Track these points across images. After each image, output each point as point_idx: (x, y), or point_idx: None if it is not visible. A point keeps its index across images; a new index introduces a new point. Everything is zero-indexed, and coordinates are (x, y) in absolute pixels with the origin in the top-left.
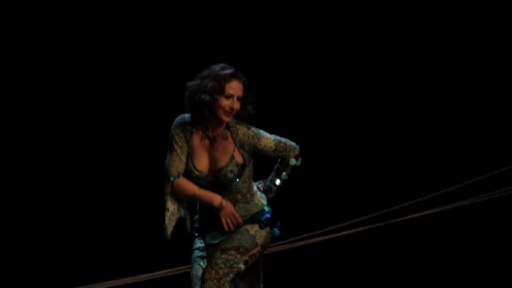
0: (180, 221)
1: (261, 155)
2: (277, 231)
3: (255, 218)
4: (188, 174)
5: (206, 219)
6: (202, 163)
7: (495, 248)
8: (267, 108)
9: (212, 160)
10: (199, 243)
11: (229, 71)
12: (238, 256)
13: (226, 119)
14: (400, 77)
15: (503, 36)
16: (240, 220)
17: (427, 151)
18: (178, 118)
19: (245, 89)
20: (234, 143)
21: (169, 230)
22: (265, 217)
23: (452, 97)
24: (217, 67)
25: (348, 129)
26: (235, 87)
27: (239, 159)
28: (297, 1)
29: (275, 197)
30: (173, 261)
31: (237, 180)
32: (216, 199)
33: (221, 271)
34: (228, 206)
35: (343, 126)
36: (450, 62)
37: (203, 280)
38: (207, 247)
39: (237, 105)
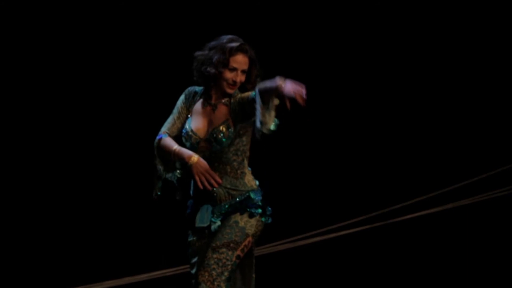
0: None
1: (246, 108)
2: (266, 219)
3: (243, 206)
4: (183, 138)
5: (197, 202)
6: (199, 127)
7: (495, 248)
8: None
9: (209, 124)
10: (191, 236)
11: (235, 44)
12: (230, 252)
13: (230, 91)
14: (401, 75)
15: (503, 35)
16: (218, 178)
17: (427, 150)
18: (190, 87)
19: (251, 62)
20: (230, 107)
21: (155, 190)
22: (254, 205)
23: (453, 95)
24: (224, 39)
25: (348, 127)
26: (239, 61)
27: (231, 124)
28: (296, 1)
29: (274, 198)
30: (171, 261)
31: (227, 144)
32: (188, 154)
33: (214, 272)
34: (200, 162)
35: (343, 124)
36: (450, 61)
37: (196, 283)
38: (197, 232)
39: (240, 78)
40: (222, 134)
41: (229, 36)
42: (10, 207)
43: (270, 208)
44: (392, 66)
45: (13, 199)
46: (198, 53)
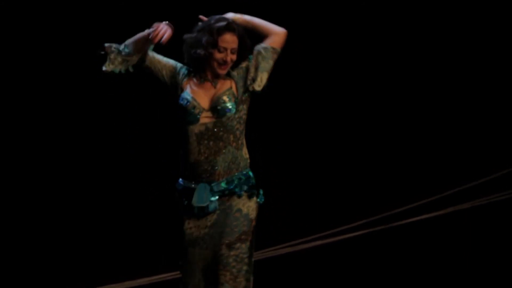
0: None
1: (257, 64)
2: (261, 199)
3: (241, 187)
4: (183, 110)
5: (192, 180)
6: (202, 100)
7: (495, 252)
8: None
9: (212, 97)
10: (187, 223)
11: (222, 23)
12: (243, 245)
13: (221, 71)
14: (404, 78)
15: (503, 35)
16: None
17: (427, 154)
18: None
19: (241, 40)
20: (232, 78)
21: (108, 65)
22: (250, 184)
23: (454, 99)
24: (212, 20)
25: (349, 131)
26: (228, 40)
27: (235, 91)
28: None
29: (274, 201)
30: (171, 265)
31: (233, 110)
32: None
33: (234, 270)
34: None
35: (344, 128)
36: (452, 66)
37: (218, 283)
38: (194, 219)
39: (231, 57)
40: (227, 102)
41: (217, 16)
42: (10, 209)
43: (260, 189)
44: (393, 69)
45: (13, 202)
46: (186, 35)
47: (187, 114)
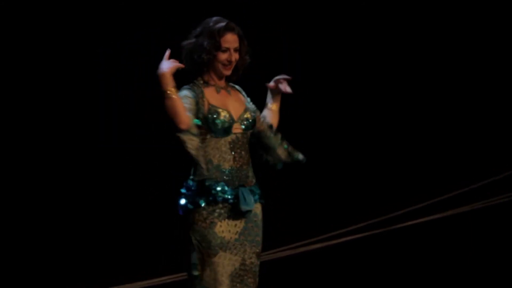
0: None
1: (261, 133)
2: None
3: (257, 193)
4: (215, 122)
5: (225, 183)
6: (231, 111)
7: (495, 254)
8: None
9: (234, 108)
10: (219, 227)
11: (221, 24)
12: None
13: (226, 72)
14: (404, 81)
15: (503, 37)
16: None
17: (428, 157)
18: (185, 86)
19: (240, 39)
20: (243, 96)
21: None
22: (261, 193)
23: (453, 101)
24: (210, 22)
25: (349, 134)
26: (230, 40)
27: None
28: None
29: (274, 203)
30: (171, 268)
31: (254, 126)
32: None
33: (257, 278)
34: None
35: (345, 131)
36: (453, 69)
37: None
38: (228, 222)
39: (235, 57)
40: (253, 118)
41: (214, 19)
42: (10, 210)
43: None
44: (394, 71)
45: (13, 202)
46: (185, 42)
47: (226, 126)
